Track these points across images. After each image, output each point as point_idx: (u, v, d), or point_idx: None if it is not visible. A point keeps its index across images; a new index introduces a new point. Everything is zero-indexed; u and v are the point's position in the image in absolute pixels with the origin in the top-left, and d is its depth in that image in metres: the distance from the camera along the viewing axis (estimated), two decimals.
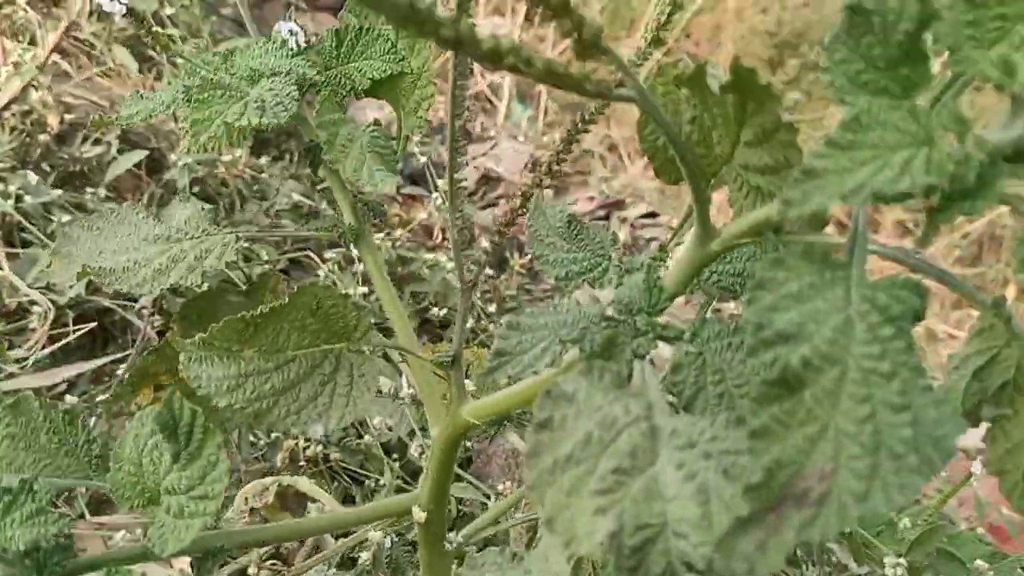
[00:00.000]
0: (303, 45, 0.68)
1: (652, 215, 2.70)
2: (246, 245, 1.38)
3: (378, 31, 0.70)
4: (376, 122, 0.71)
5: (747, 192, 0.48)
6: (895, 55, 0.37)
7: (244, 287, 0.80)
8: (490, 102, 4.12)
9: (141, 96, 0.70)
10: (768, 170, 0.44)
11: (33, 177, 1.29)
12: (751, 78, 0.39)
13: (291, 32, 0.68)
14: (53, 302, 1.17)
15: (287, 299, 0.62)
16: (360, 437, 1.19)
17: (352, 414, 0.63)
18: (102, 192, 1.39)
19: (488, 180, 2.63)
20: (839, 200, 0.34)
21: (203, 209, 0.74)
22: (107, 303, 1.20)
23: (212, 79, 0.63)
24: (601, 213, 2.57)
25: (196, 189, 1.50)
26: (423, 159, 2.06)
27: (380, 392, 0.93)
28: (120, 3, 0.64)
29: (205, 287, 0.83)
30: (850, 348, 0.35)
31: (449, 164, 0.61)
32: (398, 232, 1.87)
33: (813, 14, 5.45)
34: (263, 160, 1.64)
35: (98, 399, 1.06)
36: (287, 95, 0.64)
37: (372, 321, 0.88)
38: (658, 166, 0.53)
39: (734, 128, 0.45)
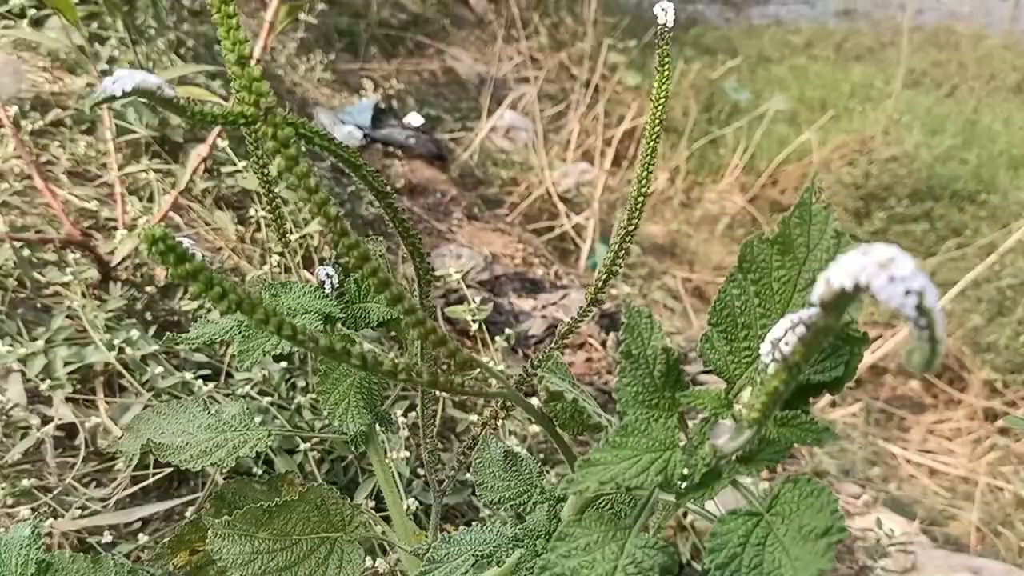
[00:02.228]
0: (336, 286, 0.85)
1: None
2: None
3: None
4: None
5: None
6: (659, 383, 0.51)
7: (267, 477, 0.94)
8: (574, 243, 4.31)
9: (208, 321, 0.88)
10: None
11: (135, 332, 1.50)
12: (559, 397, 0.53)
13: (327, 275, 0.85)
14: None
15: (297, 496, 0.77)
16: None
17: None
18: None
19: (555, 330, 2.78)
20: (600, 486, 0.47)
21: (247, 408, 0.90)
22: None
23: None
24: None
25: None
26: (485, 310, 2.22)
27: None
28: None
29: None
30: None
31: (423, 425, 0.75)
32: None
33: (901, 168, 5.53)
34: None
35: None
36: (314, 328, 0.80)
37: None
38: (561, 425, 0.67)
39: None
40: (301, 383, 1.59)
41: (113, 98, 0.50)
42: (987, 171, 5.44)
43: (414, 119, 3.81)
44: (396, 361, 0.50)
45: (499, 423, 0.83)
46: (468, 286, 2.71)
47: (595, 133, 5.14)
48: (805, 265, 0.54)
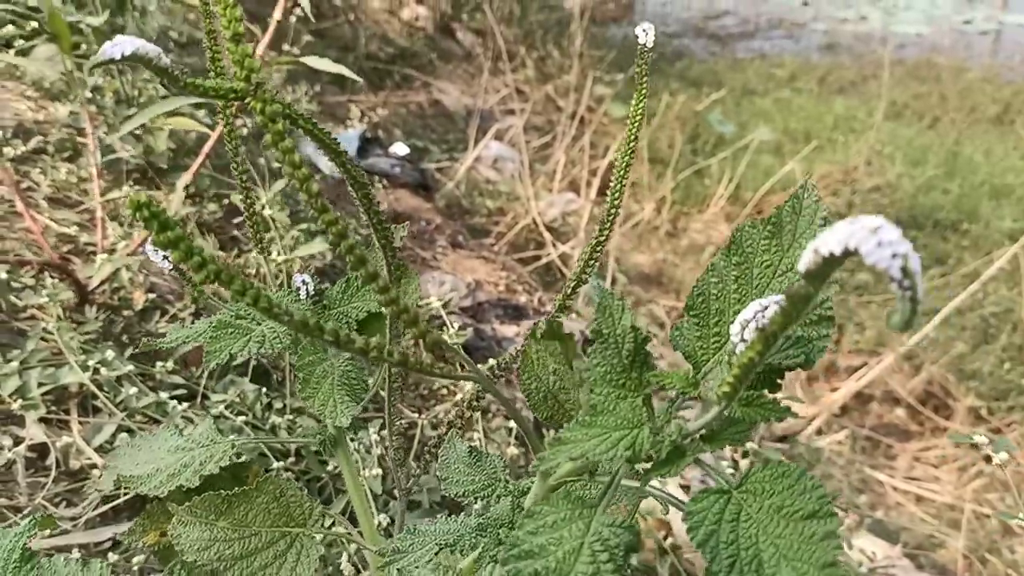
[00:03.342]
0: (311, 293, 0.85)
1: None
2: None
3: None
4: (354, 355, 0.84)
5: None
6: (627, 363, 0.51)
7: (233, 465, 0.94)
8: (560, 272, 4.31)
9: (183, 325, 0.87)
10: None
11: (111, 353, 1.49)
12: (558, 329, 0.53)
13: (303, 282, 0.85)
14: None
15: (255, 485, 0.76)
16: None
17: None
18: (170, 365, 1.57)
19: None
20: (572, 462, 0.47)
21: (215, 422, 0.89)
22: None
23: (226, 320, 0.79)
24: None
25: (255, 363, 1.68)
26: (464, 335, 2.22)
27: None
28: (171, 262, 0.82)
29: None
30: (575, 566, 0.47)
31: (388, 425, 0.74)
32: (439, 408, 2.01)
33: (884, 198, 5.58)
34: None
35: (134, 559, 1.19)
36: (283, 332, 0.80)
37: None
38: (533, 406, 0.67)
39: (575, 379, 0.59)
40: (278, 404, 1.57)
41: (112, 61, 0.50)
42: (969, 201, 5.49)
43: (399, 149, 3.82)
44: (368, 340, 0.50)
45: (464, 422, 0.82)
46: (450, 312, 2.70)
47: (581, 164, 5.16)
48: (788, 252, 0.57)
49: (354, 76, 1.46)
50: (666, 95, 6.01)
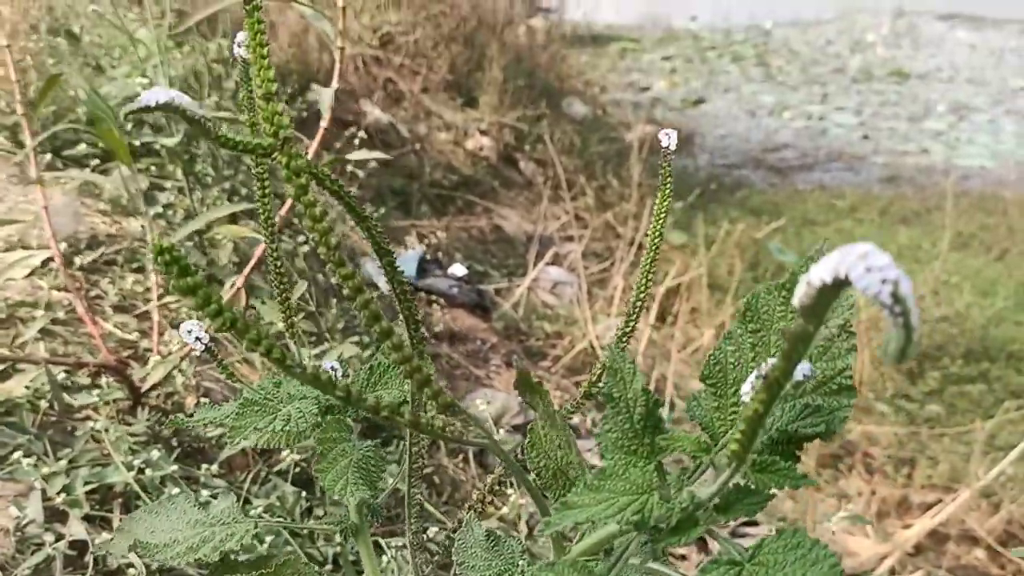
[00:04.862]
0: (339, 378, 0.85)
1: None
2: None
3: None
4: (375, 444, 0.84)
5: None
6: (638, 428, 0.49)
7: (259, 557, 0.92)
8: None
9: (212, 407, 0.87)
10: None
11: (156, 454, 1.50)
12: (528, 378, 0.52)
13: (333, 368, 0.85)
14: (147, 566, 1.32)
15: (273, 569, 0.74)
16: None
17: None
18: (215, 468, 1.58)
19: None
20: (576, 524, 0.45)
21: (236, 502, 0.88)
22: (191, 571, 1.35)
23: (252, 399, 0.80)
24: None
25: (297, 470, 1.67)
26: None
27: None
28: (202, 343, 0.83)
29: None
30: None
31: (407, 517, 0.73)
32: (484, 525, 1.95)
33: (953, 328, 5.44)
34: None
35: None
36: (309, 412, 0.80)
37: None
38: (544, 484, 0.65)
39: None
40: (319, 512, 1.55)
41: (148, 108, 0.52)
42: None
43: (458, 270, 3.89)
44: (379, 398, 0.49)
45: (484, 507, 0.80)
46: (501, 429, 2.67)
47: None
48: None
49: (385, 156, 1.49)
50: (726, 223, 6.03)
